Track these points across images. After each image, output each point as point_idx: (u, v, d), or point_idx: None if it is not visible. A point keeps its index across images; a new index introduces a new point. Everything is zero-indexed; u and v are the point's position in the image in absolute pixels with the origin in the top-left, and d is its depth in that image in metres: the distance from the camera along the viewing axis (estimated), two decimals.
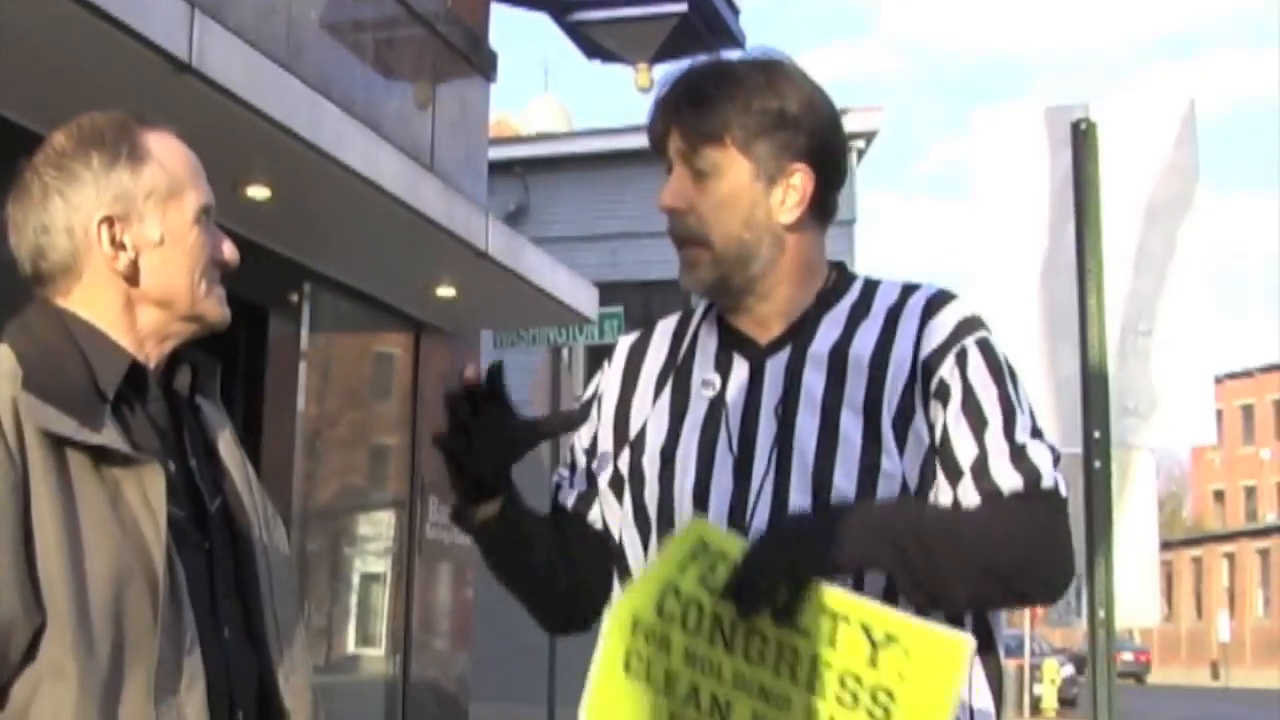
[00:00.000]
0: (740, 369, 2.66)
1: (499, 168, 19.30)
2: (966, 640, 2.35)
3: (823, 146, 2.64)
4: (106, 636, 2.24)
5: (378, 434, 14.00)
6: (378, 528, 14.04)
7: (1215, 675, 65.67)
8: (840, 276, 2.72)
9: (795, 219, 2.62)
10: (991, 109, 6.08)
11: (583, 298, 13.87)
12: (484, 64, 14.33)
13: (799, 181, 2.61)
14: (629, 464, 2.73)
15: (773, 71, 2.64)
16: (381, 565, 13.85)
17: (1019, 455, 2.51)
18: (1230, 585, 69.76)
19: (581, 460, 2.81)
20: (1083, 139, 5.78)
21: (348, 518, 13.78)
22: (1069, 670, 34.52)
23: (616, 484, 2.76)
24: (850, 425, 2.52)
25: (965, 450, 2.51)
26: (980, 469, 2.50)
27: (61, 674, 2.21)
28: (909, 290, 2.66)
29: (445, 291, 12.47)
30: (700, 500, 2.58)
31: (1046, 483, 2.51)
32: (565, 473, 2.85)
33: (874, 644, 2.34)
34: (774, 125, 2.59)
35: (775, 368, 2.62)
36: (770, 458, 2.55)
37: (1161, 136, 5.81)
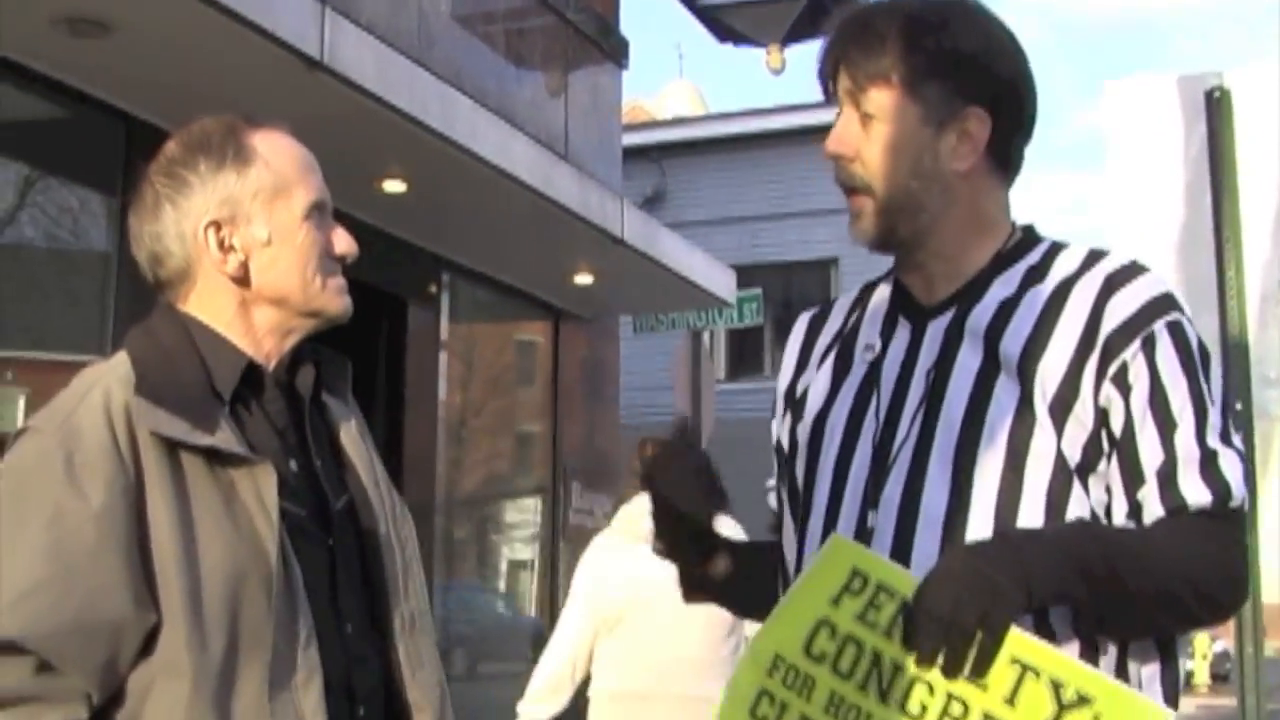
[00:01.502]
0: (903, 332, 2.48)
1: (635, 153, 19.34)
2: (1169, 716, 2.11)
3: (1002, 90, 2.42)
4: (221, 633, 2.27)
5: (519, 421, 14.09)
6: (523, 514, 14.13)
7: None
8: (1025, 238, 2.49)
9: (968, 167, 2.41)
10: (1123, 78, 5.97)
11: (720, 281, 13.85)
12: (615, 50, 14.35)
13: (973, 126, 2.39)
14: (789, 435, 2.60)
15: (949, 9, 2.43)
16: (528, 552, 13.95)
17: (1209, 464, 2.27)
18: None
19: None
20: (1217, 107, 5.68)
21: (492, 505, 13.89)
22: (1220, 645, 33.82)
23: (782, 459, 2.64)
24: (1005, 395, 2.31)
25: (1151, 454, 2.28)
26: (1167, 478, 2.27)
27: (176, 670, 2.24)
28: (1094, 258, 2.41)
29: (583, 278, 12.53)
30: (841, 470, 2.42)
31: (1235, 500, 2.27)
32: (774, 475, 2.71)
33: (1061, 704, 2.08)
34: (946, 66, 2.38)
35: (936, 330, 2.43)
36: (913, 424, 2.37)
37: None
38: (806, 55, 15.67)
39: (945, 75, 2.39)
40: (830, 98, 2.50)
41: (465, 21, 11.72)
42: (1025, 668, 2.09)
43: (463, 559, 13.03)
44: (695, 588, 2.66)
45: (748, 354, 24.79)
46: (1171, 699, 2.35)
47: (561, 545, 13.56)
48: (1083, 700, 2.07)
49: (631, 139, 16.86)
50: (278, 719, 2.29)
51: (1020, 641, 2.10)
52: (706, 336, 16.18)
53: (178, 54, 7.70)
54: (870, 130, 2.41)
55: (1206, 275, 5.50)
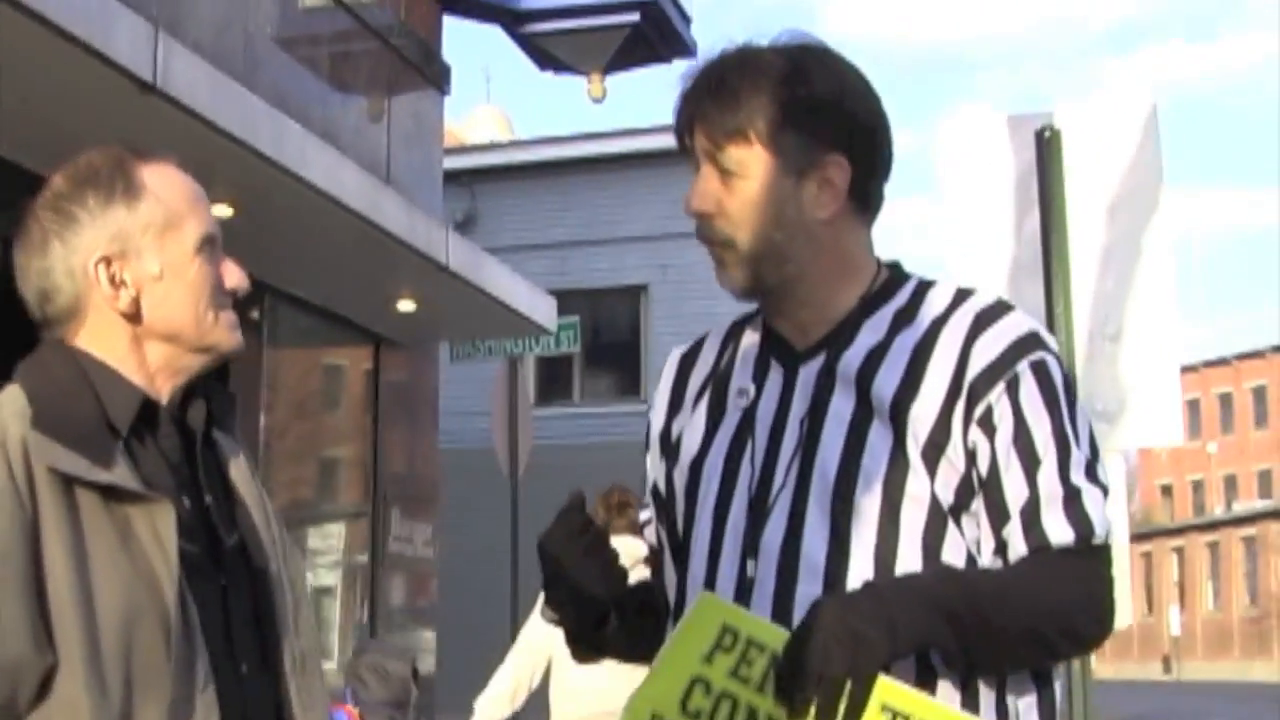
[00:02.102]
0: (775, 377, 2.49)
1: (446, 177, 19.29)
2: None
3: (859, 134, 2.43)
4: (119, 674, 2.24)
5: (339, 447, 13.97)
6: (343, 540, 14.02)
7: (1167, 669, 66.20)
8: (891, 277, 2.51)
9: (830, 214, 2.42)
10: (956, 113, 6.08)
11: (541, 309, 13.86)
12: (437, 77, 14.32)
13: (833, 174, 2.40)
14: (666, 480, 2.61)
15: (801, 57, 2.44)
16: (349, 578, 13.84)
17: (1072, 501, 2.31)
18: (1180, 579, 70.20)
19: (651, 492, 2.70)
20: (1047, 146, 5.83)
21: (311, 531, 13.75)
22: None
23: (659, 504, 2.65)
24: (878, 441, 2.34)
25: (1015, 491, 2.32)
26: (1030, 516, 2.31)
27: (74, 712, 2.20)
28: (960, 298, 2.45)
29: (405, 305, 12.45)
30: (720, 518, 2.44)
31: (1097, 538, 2.32)
32: (649, 509, 2.73)
33: None
34: (802, 115, 2.39)
35: (807, 376, 2.45)
36: (789, 472, 2.39)
37: (1124, 140, 5.87)
38: (625, 83, 15.80)
39: (802, 125, 2.40)
40: (686, 154, 2.50)
41: (290, 45, 11.62)
42: (895, 714, 2.15)
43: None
44: (586, 650, 2.67)
45: (557, 380, 24.78)
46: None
47: (380, 572, 13.46)
48: None
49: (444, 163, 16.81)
50: None
51: (890, 689, 2.16)
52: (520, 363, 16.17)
53: (5, 74, 7.51)
54: (731, 186, 2.42)
55: (1035, 309, 5.62)
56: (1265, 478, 76.70)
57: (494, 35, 14.67)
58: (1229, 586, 67.09)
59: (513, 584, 13.86)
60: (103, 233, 2.44)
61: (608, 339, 24.14)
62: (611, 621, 2.56)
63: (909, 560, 2.32)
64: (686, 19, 14.93)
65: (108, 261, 2.43)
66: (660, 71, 14.86)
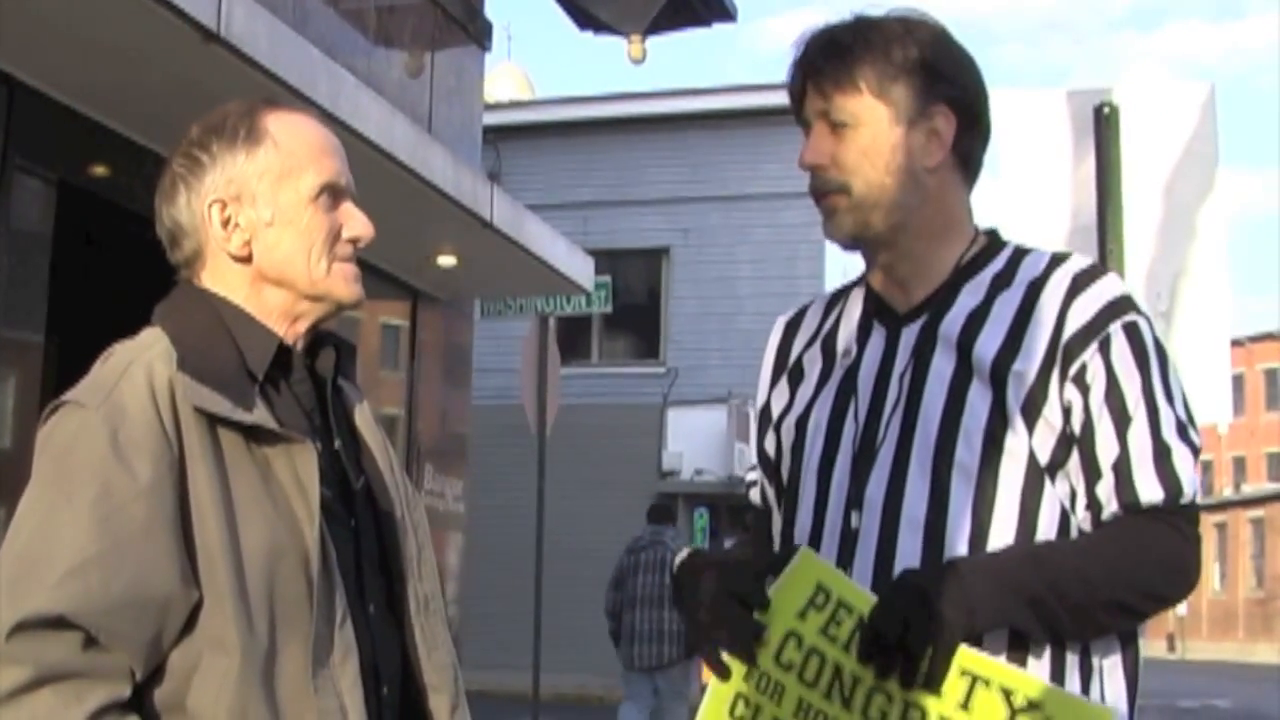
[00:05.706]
0: (878, 337, 2.59)
1: None
2: (1113, 714, 2.29)
3: (963, 94, 2.56)
4: (264, 610, 2.29)
5: (372, 401, 13.97)
6: None
7: (1171, 648, 66.28)
8: (990, 243, 2.62)
9: (936, 163, 2.54)
10: (1011, 90, 6.09)
11: (579, 268, 13.88)
12: (479, 33, 14.31)
13: (940, 125, 2.53)
14: (775, 438, 2.71)
15: (912, 23, 2.57)
16: None
17: (1162, 459, 2.40)
18: None
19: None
20: (1105, 122, 5.86)
21: None
22: None
23: (765, 462, 2.75)
24: (978, 399, 2.43)
25: (1107, 449, 2.40)
26: (1122, 473, 2.39)
27: (223, 646, 2.25)
28: (1056, 262, 2.53)
29: (446, 260, 12.47)
30: (825, 472, 2.54)
31: (1185, 497, 2.41)
32: (756, 470, 2.82)
33: (1013, 710, 2.23)
34: (911, 69, 2.52)
35: (909, 337, 2.54)
36: (889, 426, 2.49)
37: (1182, 120, 5.89)
38: (656, 46, 15.71)
39: (911, 77, 2.52)
40: (799, 119, 2.62)
41: None
42: (975, 678, 2.25)
43: None
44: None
45: (576, 341, 24.82)
46: (1132, 682, 2.50)
47: None
48: (1033, 705, 2.23)
49: None
50: (320, 696, 2.31)
51: (969, 656, 2.26)
52: (552, 321, 16.19)
53: (70, 17, 7.52)
54: (842, 136, 2.53)
55: None
56: (1275, 460, 76.44)
57: None
58: (1235, 568, 67.04)
59: (537, 540, 13.92)
60: (221, 177, 2.49)
61: (627, 300, 24.13)
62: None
63: (1005, 515, 2.41)
64: None
65: (222, 205, 2.49)
66: (696, 35, 14.85)
